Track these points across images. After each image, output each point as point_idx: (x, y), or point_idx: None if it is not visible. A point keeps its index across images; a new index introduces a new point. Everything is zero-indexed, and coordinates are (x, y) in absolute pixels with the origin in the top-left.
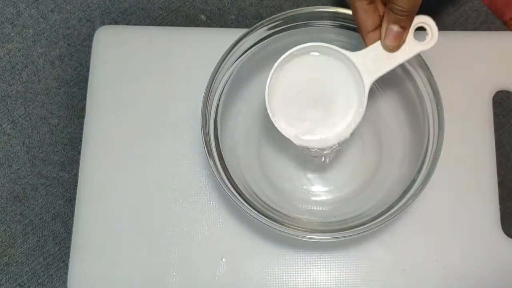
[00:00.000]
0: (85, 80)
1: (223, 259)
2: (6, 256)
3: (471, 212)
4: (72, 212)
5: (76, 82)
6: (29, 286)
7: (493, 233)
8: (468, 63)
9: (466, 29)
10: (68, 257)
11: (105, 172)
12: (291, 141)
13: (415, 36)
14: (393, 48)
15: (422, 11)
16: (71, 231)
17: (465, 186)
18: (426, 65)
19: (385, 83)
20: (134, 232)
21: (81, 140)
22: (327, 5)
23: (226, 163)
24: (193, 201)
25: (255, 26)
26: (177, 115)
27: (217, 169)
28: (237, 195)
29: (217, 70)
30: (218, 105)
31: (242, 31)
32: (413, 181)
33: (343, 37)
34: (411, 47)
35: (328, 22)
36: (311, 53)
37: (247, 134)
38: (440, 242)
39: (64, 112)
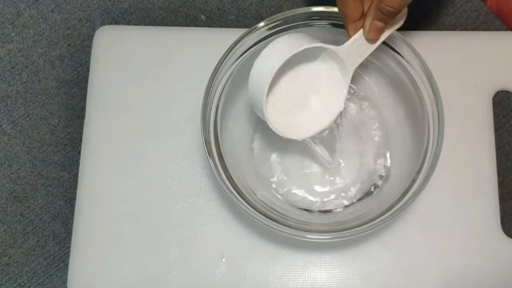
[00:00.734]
0: (85, 80)
1: (223, 259)
2: (6, 256)
3: (471, 212)
4: (72, 212)
5: (76, 82)
6: (29, 286)
7: (493, 233)
8: (468, 63)
9: (466, 29)
10: (68, 257)
11: (105, 172)
12: (290, 142)
13: None
14: (375, 40)
15: (422, 10)
16: (71, 231)
17: (465, 186)
18: (426, 65)
19: (385, 83)
20: (134, 232)
21: (81, 140)
22: (326, 5)
23: (226, 163)
24: (193, 201)
25: (255, 26)
26: (177, 115)
27: (217, 169)
28: (237, 195)
29: (217, 70)
30: (218, 105)
31: (242, 31)
32: (413, 181)
33: (342, 37)
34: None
35: (328, 22)
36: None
37: (247, 134)
38: (440, 242)
39: (64, 112)
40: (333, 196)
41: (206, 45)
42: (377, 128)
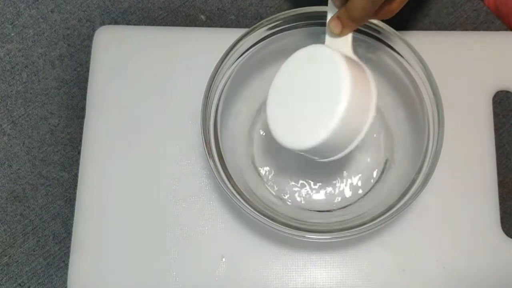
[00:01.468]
0: (85, 80)
1: (223, 259)
2: (6, 256)
3: (471, 212)
4: (72, 212)
5: (76, 82)
6: (29, 286)
7: (493, 233)
8: (468, 63)
9: (466, 29)
10: (68, 257)
11: (105, 172)
12: None
13: None
14: (337, 34)
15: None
16: (71, 231)
17: (465, 186)
18: (426, 65)
19: (385, 83)
20: (134, 232)
21: (81, 140)
22: (326, 5)
23: (226, 163)
24: (193, 201)
25: (255, 26)
26: (177, 115)
27: (217, 169)
28: (237, 195)
29: (217, 70)
30: (218, 105)
31: (242, 31)
32: (413, 181)
33: None
34: None
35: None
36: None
37: (247, 134)
38: (440, 242)
39: (64, 112)
40: (333, 196)
41: (206, 45)
42: (377, 128)
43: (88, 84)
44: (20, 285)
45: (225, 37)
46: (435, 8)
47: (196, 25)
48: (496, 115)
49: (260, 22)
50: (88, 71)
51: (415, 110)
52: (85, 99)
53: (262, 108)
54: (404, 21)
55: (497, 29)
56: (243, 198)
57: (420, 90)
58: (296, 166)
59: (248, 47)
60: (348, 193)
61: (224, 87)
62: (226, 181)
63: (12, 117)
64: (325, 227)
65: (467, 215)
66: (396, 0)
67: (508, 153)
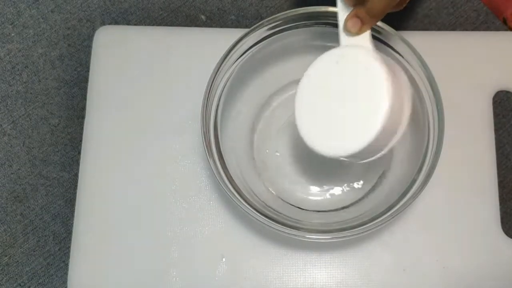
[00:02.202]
0: (85, 80)
1: (223, 259)
2: (6, 256)
3: (471, 212)
4: (72, 212)
5: (76, 82)
6: (30, 286)
7: (493, 233)
8: (468, 63)
9: (466, 29)
10: (68, 257)
11: (105, 172)
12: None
13: None
14: (355, 32)
15: (422, 10)
16: (71, 231)
17: (465, 186)
18: (426, 65)
19: None
20: (134, 232)
21: (81, 140)
22: (327, 5)
23: (226, 163)
24: (193, 201)
25: (255, 26)
26: (177, 115)
27: (217, 169)
28: (237, 195)
29: (217, 70)
30: (218, 105)
31: (242, 31)
32: (413, 181)
33: None
34: None
35: (328, 22)
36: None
37: (247, 134)
38: (440, 242)
39: (65, 112)
40: (333, 196)
41: (206, 45)
42: None
43: (88, 84)
44: (20, 285)
45: (225, 37)
46: (435, 8)
47: (196, 25)
48: (496, 115)
49: (260, 22)
50: (88, 71)
51: (415, 110)
52: (85, 99)
53: (262, 107)
54: (404, 21)
55: (497, 29)
56: (243, 198)
57: (420, 90)
58: (297, 167)
59: (248, 47)
60: (348, 193)
61: (224, 87)
62: (226, 181)
63: (12, 117)
64: (325, 227)
65: (467, 215)
66: None
67: (508, 153)
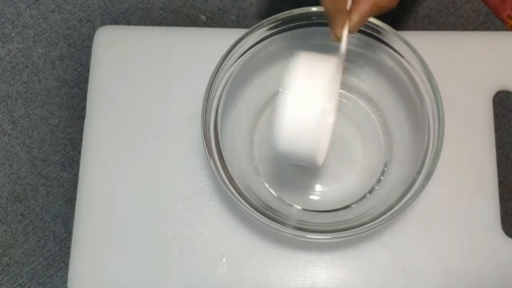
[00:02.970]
0: (86, 80)
1: (223, 259)
2: (6, 256)
3: (471, 212)
4: (72, 212)
5: (76, 83)
6: (30, 286)
7: (493, 233)
8: (468, 63)
9: (466, 29)
10: (69, 257)
11: (105, 172)
12: None
13: None
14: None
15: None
16: (71, 231)
17: (465, 186)
18: (426, 65)
19: (385, 83)
20: (134, 232)
21: (81, 140)
22: None
23: (226, 163)
24: (193, 201)
25: (255, 26)
26: (177, 115)
27: (217, 169)
28: (237, 195)
29: (217, 70)
30: (218, 105)
31: (242, 31)
32: (413, 181)
33: None
34: None
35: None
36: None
37: (248, 134)
38: (440, 242)
39: (65, 112)
40: (333, 196)
41: (206, 45)
42: (377, 128)
43: (89, 84)
44: (21, 285)
45: (225, 37)
46: (436, 8)
47: (196, 25)
48: (496, 115)
49: (260, 23)
50: (88, 71)
51: (415, 110)
52: (85, 99)
53: (262, 107)
54: (404, 21)
55: (497, 29)
56: (243, 198)
57: (420, 90)
58: (296, 167)
59: (248, 48)
60: (348, 194)
61: (224, 87)
62: (226, 181)
63: (13, 117)
64: (325, 227)
65: (467, 215)
66: None
67: (508, 153)
